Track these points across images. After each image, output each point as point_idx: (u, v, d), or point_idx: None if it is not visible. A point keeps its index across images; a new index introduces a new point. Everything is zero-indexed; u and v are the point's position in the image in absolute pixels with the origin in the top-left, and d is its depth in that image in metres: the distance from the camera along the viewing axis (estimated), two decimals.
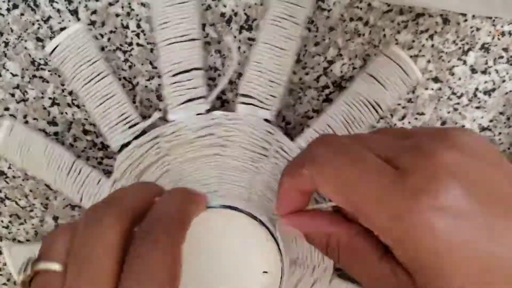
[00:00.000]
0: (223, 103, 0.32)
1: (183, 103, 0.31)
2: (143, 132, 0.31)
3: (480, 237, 0.17)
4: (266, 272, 0.27)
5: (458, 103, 0.32)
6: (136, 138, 0.31)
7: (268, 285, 0.27)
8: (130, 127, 0.31)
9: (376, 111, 0.30)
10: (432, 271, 0.17)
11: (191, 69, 0.30)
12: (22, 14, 0.31)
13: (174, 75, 0.30)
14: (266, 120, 0.31)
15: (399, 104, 0.32)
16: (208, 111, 0.31)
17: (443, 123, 0.32)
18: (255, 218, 0.27)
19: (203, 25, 0.31)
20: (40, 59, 0.32)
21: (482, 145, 0.19)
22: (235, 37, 0.31)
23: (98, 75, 0.30)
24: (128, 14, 0.31)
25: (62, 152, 0.32)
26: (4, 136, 0.32)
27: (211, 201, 0.26)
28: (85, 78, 0.30)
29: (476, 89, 0.32)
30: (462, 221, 0.17)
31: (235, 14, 0.30)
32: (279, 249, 0.27)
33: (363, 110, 0.30)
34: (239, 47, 0.31)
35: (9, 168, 0.34)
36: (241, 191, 0.31)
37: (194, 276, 0.26)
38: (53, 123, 0.33)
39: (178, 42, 0.30)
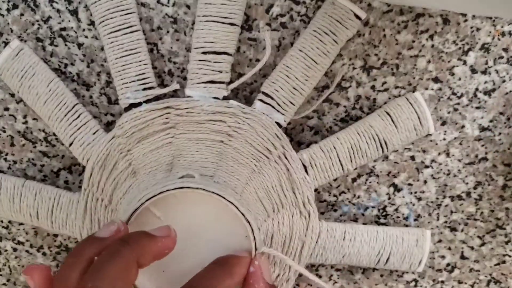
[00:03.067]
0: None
1: (204, 82, 0.30)
2: (156, 98, 0.31)
3: None
4: (246, 236, 0.29)
5: (458, 103, 0.32)
6: (147, 102, 0.31)
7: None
8: (144, 89, 0.30)
9: (382, 149, 0.31)
10: None
11: (222, 53, 0.30)
12: (22, 14, 0.31)
13: (204, 53, 0.30)
14: (278, 124, 0.31)
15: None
16: (225, 98, 0.31)
17: (443, 123, 0.32)
18: (242, 213, 0.28)
19: None
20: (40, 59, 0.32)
21: None
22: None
23: (129, 27, 0.30)
24: None
25: (66, 91, 0.31)
26: (9, 55, 0.31)
27: (206, 185, 0.28)
28: (115, 26, 0.30)
29: (476, 89, 0.32)
30: None
31: None
32: (255, 247, 0.29)
33: (371, 144, 0.31)
34: (238, 47, 0.31)
35: (9, 168, 0.34)
36: (237, 184, 0.31)
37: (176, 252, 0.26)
38: None
39: (218, 22, 0.29)
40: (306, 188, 0.31)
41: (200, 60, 0.30)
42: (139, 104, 0.30)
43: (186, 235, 0.28)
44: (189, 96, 0.31)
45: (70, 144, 0.31)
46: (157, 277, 0.29)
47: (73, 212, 0.32)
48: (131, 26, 0.30)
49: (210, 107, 0.30)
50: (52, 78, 0.31)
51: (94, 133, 0.31)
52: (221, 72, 0.30)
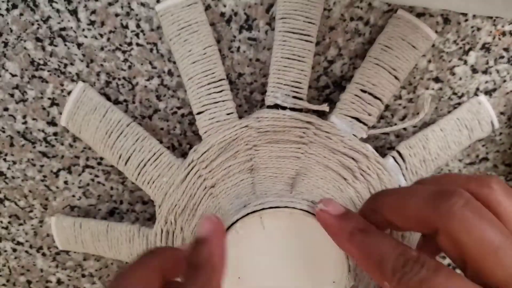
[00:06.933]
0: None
1: (351, 117, 0.30)
2: (299, 110, 0.31)
3: None
4: (334, 282, 0.27)
5: (459, 103, 0.32)
6: (291, 109, 0.30)
7: None
8: (294, 97, 0.30)
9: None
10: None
11: (378, 98, 0.30)
12: (21, 14, 0.31)
13: (363, 91, 0.30)
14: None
15: (399, 104, 0.32)
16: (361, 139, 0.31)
17: None
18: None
19: None
20: (39, 59, 0.32)
21: None
22: (234, 37, 0.31)
23: (306, 35, 0.29)
24: (128, 14, 0.30)
25: (219, 63, 0.30)
26: (180, 2, 0.29)
27: (295, 203, 0.27)
28: (294, 27, 0.29)
29: (477, 89, 0.32)
30: None
31: (235, 14, 0.30)
32: (347, 257, 0.27)
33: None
34: (238, 47, 0.31)
35: (9, 169, 0.34)
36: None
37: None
38: (52, 123, 0.33)
39: (386, 70, 0.30)
40: None
41: (355, 95, 0.30)
42: (283, 108, 0.30)
43: (282, 254, 0.27)
44: (332, 122, 0.30)
45: (199, 113, 0.30)
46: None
47: (168, 175, 0.31)
48: (308, 35, 0.30)
49: (350, 141, 0.30)
50: (211, 44, 0.30)
51: (228, 114, 0.30)
52: (370, 115, 0.30)
